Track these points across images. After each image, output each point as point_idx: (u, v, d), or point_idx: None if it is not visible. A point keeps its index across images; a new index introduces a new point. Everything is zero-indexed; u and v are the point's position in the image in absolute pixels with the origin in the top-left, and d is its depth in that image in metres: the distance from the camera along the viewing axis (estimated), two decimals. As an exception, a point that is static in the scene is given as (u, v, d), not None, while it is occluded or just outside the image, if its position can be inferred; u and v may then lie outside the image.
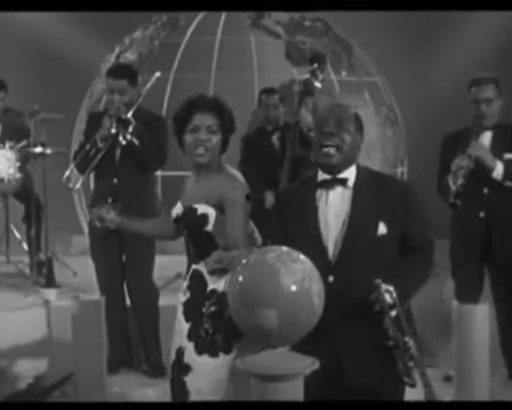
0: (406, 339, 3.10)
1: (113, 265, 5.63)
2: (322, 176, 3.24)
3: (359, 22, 8.43)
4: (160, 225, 4.08)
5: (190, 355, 3.61)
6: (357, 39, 8.26)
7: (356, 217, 3.16)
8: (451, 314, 4.57)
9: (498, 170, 5.05)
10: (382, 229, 3.16)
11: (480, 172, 5.04)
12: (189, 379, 3.60)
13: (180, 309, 3.74)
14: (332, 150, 3.16)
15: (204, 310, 3.61)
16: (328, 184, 3.21)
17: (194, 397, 3.58)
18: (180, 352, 3.66)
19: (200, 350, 3.59)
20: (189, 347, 3.62)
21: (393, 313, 3.06)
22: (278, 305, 2.67)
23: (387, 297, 3.04)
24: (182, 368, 3.62)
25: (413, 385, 3.18)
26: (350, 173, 3.22)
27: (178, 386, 3.64)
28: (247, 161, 6.42)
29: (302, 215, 3.22)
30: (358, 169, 3.26)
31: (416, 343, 3.12)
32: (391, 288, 3.05)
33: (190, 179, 3.79)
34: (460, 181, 4.98)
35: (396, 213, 3.19)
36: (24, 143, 6.83)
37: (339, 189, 3.21)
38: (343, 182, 3.21)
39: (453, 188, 5.01)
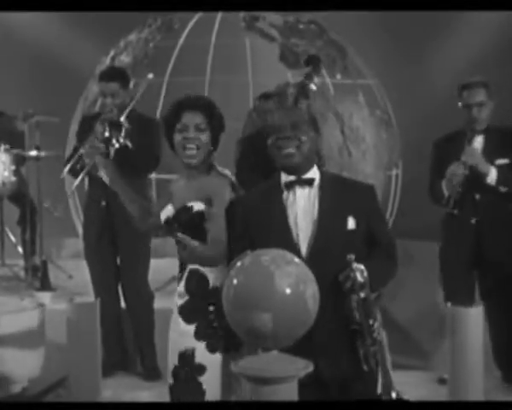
0: (371, 322, 3.14)
1: (108, 268, 5.62)
2: (286, 178, 3.33)
3: (353, 24, 8.44)
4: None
5: (203, 355, 3.59)
6: (351, 41, 8.26)
7: (325, 213, 3.25)
8: (446, 317, 4.58)
9: (492, 176, 5.08)
10: (352, 224, 3.25)
11: (474, 178, 5.07)
12: (205, 379, 3.58)
13: (177, 312, 3.73)
14: (292, 150, 3.26)
15: (210, 308, 3.62)
16: (294, 185, 3.30)
17: (209, 396, 3.57)
18: (187, 354, 3.64)
19: (212, 349, 3.59)
20: (200, 347, 3.60)
21: (362, 293, 3.11)
22: (273, 308, 2.67)
23: (358, 275, 3.09)
24: (195, 369, 3.60)
25: (371, 372, 3.19)
26: (314, 174, 3.33)
27: (192, 388, 3.61)
28: (244, 163, 6.43)
29: (270, 215, 3.30)
30: (321, 171, 3.36)
31: (379, 330, 3.17)
32: (363, 267, 3.11)
33: (179, 181, 3.79)
34: (456, 189, 5.02)
35: (361, 211, 3.28)
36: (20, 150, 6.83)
37: (305, 189, 3.30)
38: (310, 182, 3.31)
39: (447, 193, 5.06)
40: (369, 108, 7.49)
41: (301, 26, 7.94)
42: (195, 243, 3.52)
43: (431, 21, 8.30)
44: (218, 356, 3.58)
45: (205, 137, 3.64)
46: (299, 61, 7.45)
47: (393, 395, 3.16)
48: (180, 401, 3.64)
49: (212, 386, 3.57)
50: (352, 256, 3.11)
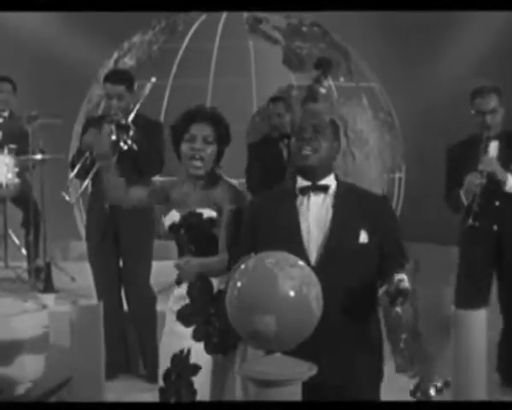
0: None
1: (111, 270, 5.63)
2: (302, 183, 3.31)
3: (356, 26, 8.44)
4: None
5: (199, 355, 3.64)
6: (354, 44, 8.27)
7: (338, 223, 3.23)
8: (450, 320, 4.57)
9: (510, 183, 5.05)
10: (364, 237, 3.23)
11: (493, 186, 5.05)
12: (198, 379, 3.63)
13: (173, 317, 3.75)
14: (309, 152, 3.25)
15: (212, 311, 3.64)
16: (309, 190, 3.28)
17: (201, 397, 3.61)
18: (180, 356, 3.66)
19: (210, 350, 3.63)
20: (197, 347, 3.65)
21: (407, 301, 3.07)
22: (276, 310, 2.67)
23: (404, 284, 3.02)
24: (188, 369, 3.64)
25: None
26: (330, 181, 3.31)
27: (183, 388, 3.64)
28: (253, 169, 6.44)
29: (283, 220, 3.29)
30: (338, 180, 3.34)
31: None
32: (403, 276, 3.05)
33: (183, 187, 3.80)
34: (476, 201, 4.99)
35: (375, 225, 3.25)
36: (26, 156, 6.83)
37: (320, 195, 3.28)
38: (324, 189, 3.29)
39: (465, 203, 5.03)
40: (372, 110, 7.50)
41: (304, 29, 7.94)
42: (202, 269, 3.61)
43: (435, 23, 8.30)
44: (214, 358, 3.63)
45: (211, 149, 3.69)
46: (303, 63, 7.46)
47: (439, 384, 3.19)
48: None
49: (203, 386, 3.62)
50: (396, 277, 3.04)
